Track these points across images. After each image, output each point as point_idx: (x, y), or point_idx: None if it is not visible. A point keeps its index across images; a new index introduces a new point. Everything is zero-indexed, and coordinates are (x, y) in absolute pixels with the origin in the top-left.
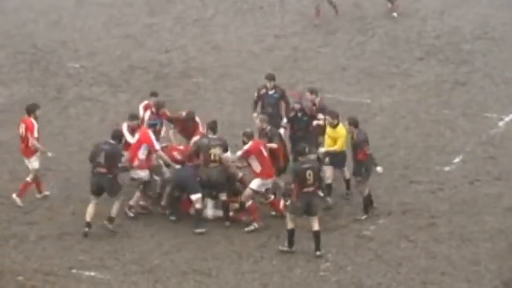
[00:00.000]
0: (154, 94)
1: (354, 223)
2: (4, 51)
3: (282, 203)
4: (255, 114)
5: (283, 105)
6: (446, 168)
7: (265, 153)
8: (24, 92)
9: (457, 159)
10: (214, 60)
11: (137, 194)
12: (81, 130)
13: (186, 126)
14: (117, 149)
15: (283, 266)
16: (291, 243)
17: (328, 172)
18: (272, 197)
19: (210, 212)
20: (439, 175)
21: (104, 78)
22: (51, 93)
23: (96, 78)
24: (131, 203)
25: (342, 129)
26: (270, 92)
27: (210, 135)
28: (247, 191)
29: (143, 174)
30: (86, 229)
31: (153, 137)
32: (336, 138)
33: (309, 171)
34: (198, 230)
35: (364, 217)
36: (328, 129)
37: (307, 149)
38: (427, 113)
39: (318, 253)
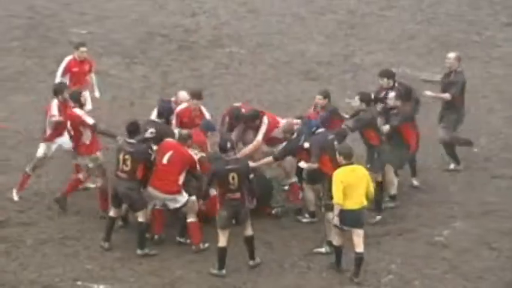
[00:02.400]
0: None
1: (424, 227)
2: None
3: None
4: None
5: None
6: None
7: (164, 160)
8: (19, 64)
9: None
10: (252, 26)
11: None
12: (88, 111)
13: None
14: None
15: (335, 280)
16: (220, 265)
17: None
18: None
19: None
20: None
21: (117, 47)
22: (51, 66)
23: (106, 48)
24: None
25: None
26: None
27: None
28: None
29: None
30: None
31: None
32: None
33: (232, 174)
34: None
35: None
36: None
37: (229, 145)
38: None
39: (252, 263)
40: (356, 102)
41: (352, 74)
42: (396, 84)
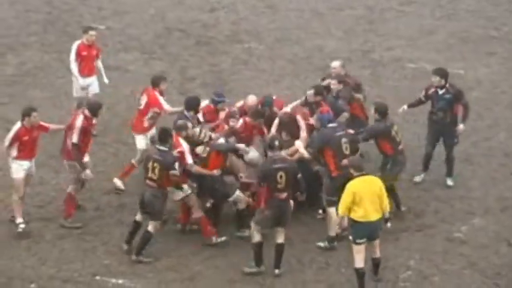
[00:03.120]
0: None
1: (443, 223)
2: (13, 10)
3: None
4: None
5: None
6: None
7: None
8: (37, 59)
9: None
10: (270, 21)
11: None
12: (107, 106)
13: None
14: None
15: (353, 275)
16: (258, 261)
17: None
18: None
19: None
20: None
21: (135, 42)
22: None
23: (124, 43)
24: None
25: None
26: (440, 92)
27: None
28: None
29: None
30: None
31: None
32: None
33: (280, 173)
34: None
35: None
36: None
37: (277, 143)
38: None
39: (277, 271)
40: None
41: (371, 70)
42: (448, 85)
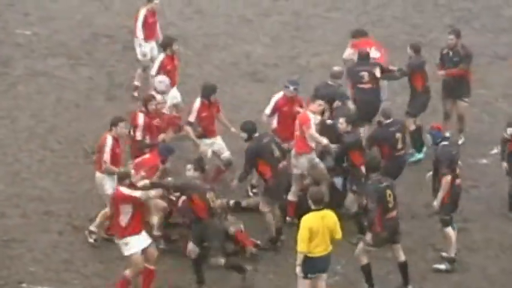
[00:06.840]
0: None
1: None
2: None
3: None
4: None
5: None
6: (483, 161)
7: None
8: None
9: (495, 150)
10: (198, 27)
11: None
12: (33, 113)
13: None
14: None
15: (281, 281)
16: (370, 281)
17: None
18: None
19: None
20: (474, 169)
21: (61, 48)
22: None
23: (51, 49)
24: None
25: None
26: (451, 54)
27: None
28: None
29: None
30: None
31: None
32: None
33: (388, 191)
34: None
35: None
36: None
37: (380, 164)
38: None
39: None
40: None
41: (298, 75)
42: (459, 46)
